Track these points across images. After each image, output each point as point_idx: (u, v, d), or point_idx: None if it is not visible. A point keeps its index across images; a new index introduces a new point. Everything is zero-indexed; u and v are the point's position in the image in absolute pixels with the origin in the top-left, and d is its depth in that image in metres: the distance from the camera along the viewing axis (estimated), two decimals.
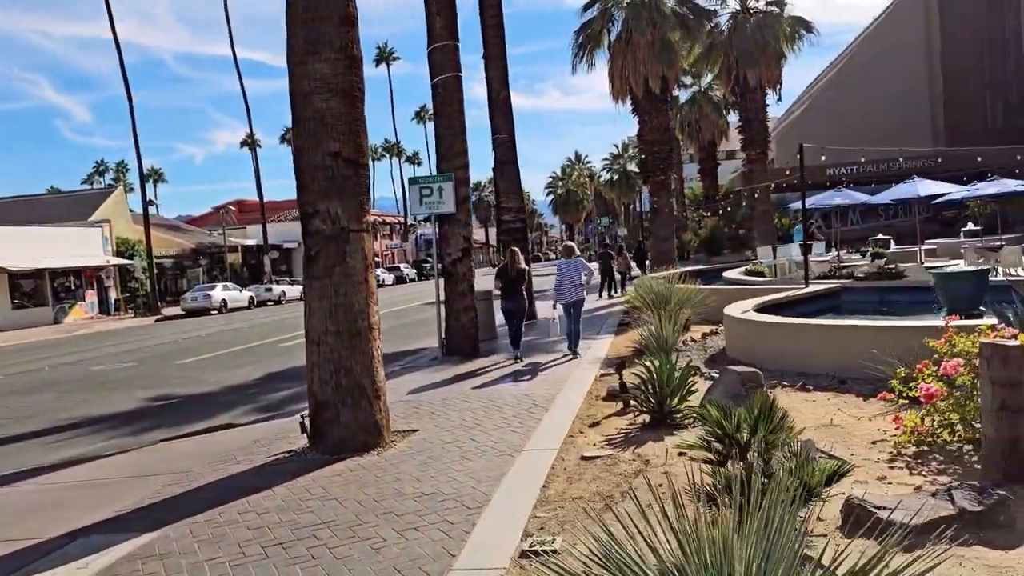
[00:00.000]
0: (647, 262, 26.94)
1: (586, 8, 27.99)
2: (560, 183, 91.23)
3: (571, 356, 11.91)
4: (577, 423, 7.68)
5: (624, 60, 26.81)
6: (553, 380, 10.21)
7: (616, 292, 24.00)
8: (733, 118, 46.00)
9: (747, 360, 9.74)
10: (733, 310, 10.76)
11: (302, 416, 7.49)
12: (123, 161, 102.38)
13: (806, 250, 13.80)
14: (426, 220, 14.23)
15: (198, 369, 16.06)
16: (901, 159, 35.75)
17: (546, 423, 7.77)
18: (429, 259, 48.85)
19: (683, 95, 47.07)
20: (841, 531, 3.97)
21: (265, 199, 78.56)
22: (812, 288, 12.87)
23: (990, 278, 10.49)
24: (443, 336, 13.61)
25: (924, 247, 25.05)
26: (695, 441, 5.82)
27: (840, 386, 7.75)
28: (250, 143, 56.03)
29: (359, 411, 7.09)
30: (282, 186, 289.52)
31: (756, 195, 31.01)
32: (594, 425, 7.58)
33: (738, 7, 30.88)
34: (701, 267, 25.26)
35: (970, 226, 32.32)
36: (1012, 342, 4.50)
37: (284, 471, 6.62)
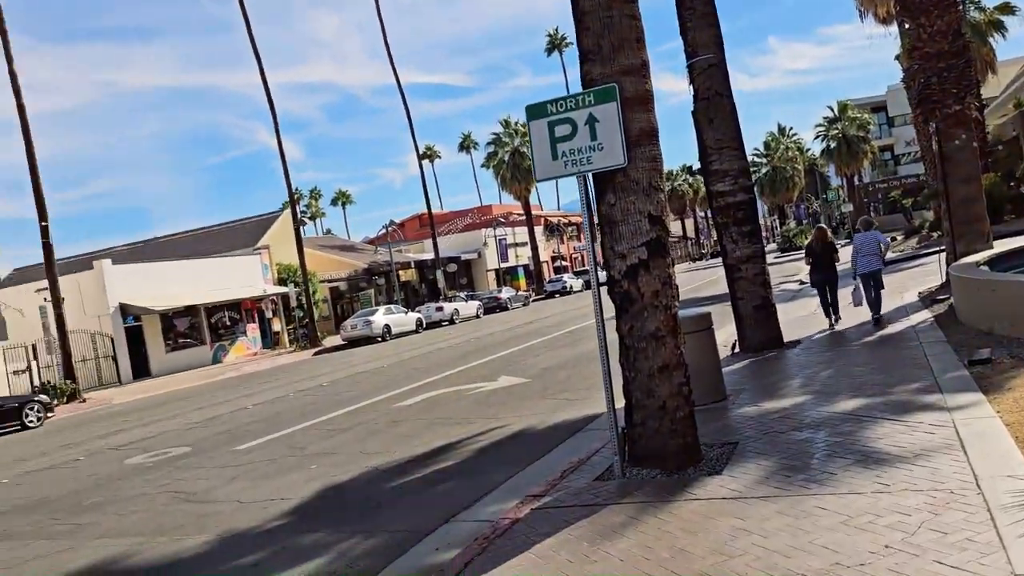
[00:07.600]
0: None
1: None
2: (765, 160, 79.28)
3: (876, 320, 11.75)
4: None
5: None
6: None
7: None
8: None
9: None
10: None
11: None
12: (315, 188, 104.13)
13: None
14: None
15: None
16: None
17: None
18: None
19: None
20: None
21: (446, 210, 74.93)
22: None
23: None
24: (621, 426, 6.25)
25: None
26: None
27: None
28: (419, 155, 51.64)
29: None
30: (464, 200, 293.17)
31: None
32: None
33: None
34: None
35: None
36: None
37: None
